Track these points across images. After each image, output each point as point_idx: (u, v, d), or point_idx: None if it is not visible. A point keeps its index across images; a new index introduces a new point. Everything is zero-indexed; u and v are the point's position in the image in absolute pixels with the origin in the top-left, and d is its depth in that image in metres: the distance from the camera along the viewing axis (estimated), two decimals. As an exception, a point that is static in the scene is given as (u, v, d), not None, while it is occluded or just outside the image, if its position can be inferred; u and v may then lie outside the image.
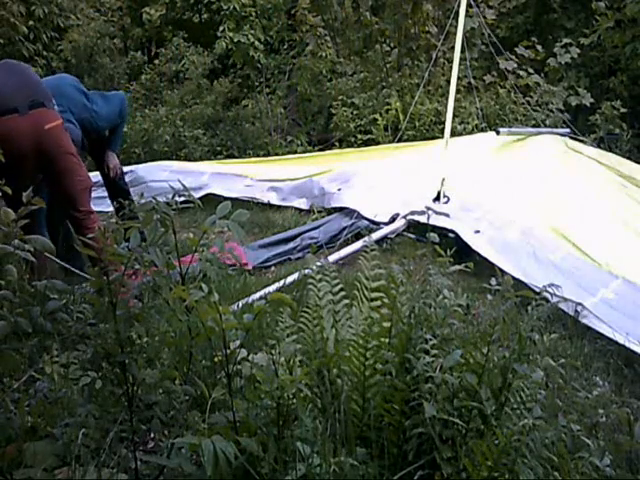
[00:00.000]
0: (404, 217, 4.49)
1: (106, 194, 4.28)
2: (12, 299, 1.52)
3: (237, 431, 1.50)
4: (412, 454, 1.59)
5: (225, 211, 1.61)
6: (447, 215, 4.28)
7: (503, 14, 8.74)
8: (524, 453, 1.48)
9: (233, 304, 3.04)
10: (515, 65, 7.51)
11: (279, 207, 5.52)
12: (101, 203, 4.70)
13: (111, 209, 4.22)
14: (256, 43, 7.94)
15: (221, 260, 1.68)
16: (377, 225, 4.57)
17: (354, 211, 4.71)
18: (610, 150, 6.23)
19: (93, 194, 5.29)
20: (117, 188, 4.08)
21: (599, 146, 6.40)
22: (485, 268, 3.38)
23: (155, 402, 1.64)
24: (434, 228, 3.81)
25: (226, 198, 4.86)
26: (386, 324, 1.73)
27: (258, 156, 7.32)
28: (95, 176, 4.10)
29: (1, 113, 2.97)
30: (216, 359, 1.58)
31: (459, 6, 4.76)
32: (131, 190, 4.51)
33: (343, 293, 1.96)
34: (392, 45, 8.26)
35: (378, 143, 6.96)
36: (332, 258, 3.82)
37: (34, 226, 3.07)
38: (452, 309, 1.74)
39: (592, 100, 7.62)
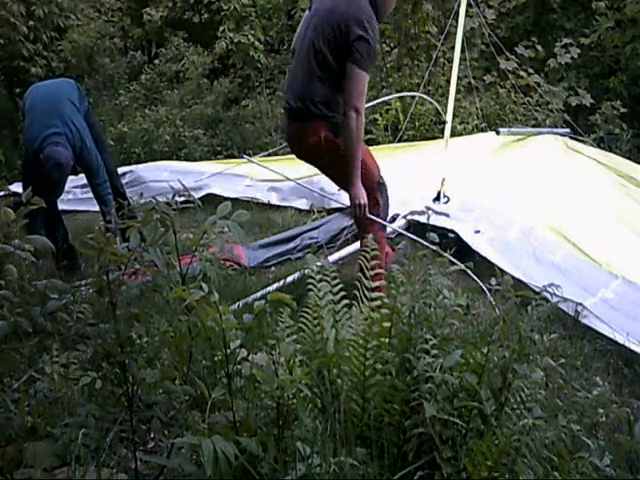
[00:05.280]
0: (404, 217, 4.49)
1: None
2: (12, 299, 1.53)
3: (237, 431, 1.50)
4: (412, 454, 1.59)
5: (225, 211, 1.61)
6: (447, 215, 4.28)
7: (503, 14, 8.72)
8: (524, 453, 1.48)
9: (233, 304, 3.04)
10: (515, 65, 7.50)
11: (279, 207, 5.51)
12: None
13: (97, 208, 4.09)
14: (256, 43, 7.94)
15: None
16: (377, 225, 4.56)
17: (354, 211, 4.69)
18: (610, 150, 6.22)
19: (84, 195, 5.26)
20: (115, 191, 4.01)
21: (599, 146, 6.38)
22: (485, 268, 3.37)
23: (155, 402, 1.64)
24: (434, 228, 3.80)
25: (226, 198, 4.86)
26: (386, 324, 1.73)
27: (258, 156, 7.31)
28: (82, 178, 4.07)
29: None
30: (216, 359, 1.58)
31: (459, 6, 4.77)
32: (131, 190, 4.48)
33: (343, 293, 1.96)
34: (392, 45, 8.26)
35: (378, 143, 6.95)
36: (332, 258, 3.82)
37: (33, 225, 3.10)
38: (452, 309, 1.74)
39: (592, 100, 7.61)
